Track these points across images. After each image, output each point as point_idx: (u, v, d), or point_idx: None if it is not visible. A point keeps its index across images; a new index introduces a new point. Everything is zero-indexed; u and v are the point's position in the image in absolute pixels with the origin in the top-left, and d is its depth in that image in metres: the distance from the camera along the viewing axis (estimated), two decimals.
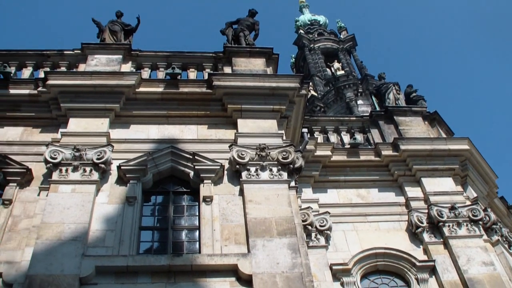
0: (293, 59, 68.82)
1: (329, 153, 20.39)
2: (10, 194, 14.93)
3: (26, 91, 17.46)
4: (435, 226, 18.66)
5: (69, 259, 12.96)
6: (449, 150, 20.76)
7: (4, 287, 12.97)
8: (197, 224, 14.71)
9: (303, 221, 16.89)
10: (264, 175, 15.37)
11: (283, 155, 15.73)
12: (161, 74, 19.07)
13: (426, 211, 19.00)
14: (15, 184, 15.17)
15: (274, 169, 15.50)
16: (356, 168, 20.77)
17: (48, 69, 18.63)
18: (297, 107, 18.13)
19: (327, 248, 18.12)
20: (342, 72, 58.98)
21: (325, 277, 17.14)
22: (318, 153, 20.20)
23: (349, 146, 21.35)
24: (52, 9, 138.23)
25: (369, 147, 21.58)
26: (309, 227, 17.99)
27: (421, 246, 18.52)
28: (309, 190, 19.72)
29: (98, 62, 18.65)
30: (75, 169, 15.08)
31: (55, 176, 14.96)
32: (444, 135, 22.79)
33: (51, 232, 13.57)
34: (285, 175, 15.46)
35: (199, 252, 13.82)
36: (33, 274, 12.66)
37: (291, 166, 15.68)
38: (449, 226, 18.49)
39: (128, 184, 15.14)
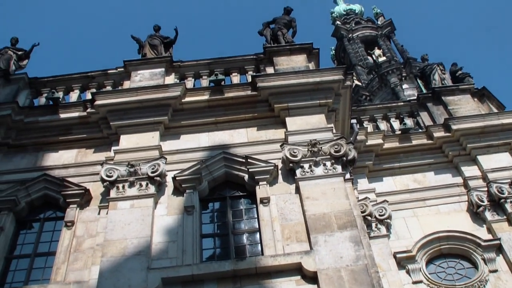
0: (333, 51, 68.50)
1: (380, 141, 20.29)
2: (71, 216, 15.29)
3: (76, 114, 17.84)
4: (496, 204, 18.38)
5: (135, 274, 13.17)
6: (503, 125, 20.40)
7: None
8: (257, 226, 14.76)
9: (362, 212, 16.79)
10: (319, 171, 15.29)
11: (335, 148, 15.62)
12: (204, 82, 19.18)
13: (486, 189, 18.72)
14: (76, 205, 15.52)
15: (328, 163, 15.41)
16: (409, 153, 20.61)
17: (94, 90, 18.99)
18: (344, 99, 18.04)
19: (389, 237, 18.05)
20: (384, 58, 58.49)
21: (390, 266, 17.05)
22: (369, 142, 20.11)
23: (400, 132, 21.18)
24: (91, 31, 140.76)
25: (420, 130, 21.38)
26: (369, 218, 17.94)
27: (484, 225, 18.27)
28: (365, 180, 19.64)
29: (142, 77, 18.88)
30: (132, 184, 15.29)
31: (112, 193, 15.19)
32: (495, 110, 22.39)
33: (115, 249, 13.80)
34: (339, 168, 15.36)
35: (262, 254, 13.84)
36: None
37: (344, 158, 15.57)
38: (511, 202, 18.17)
39: (184, 194, 15.28)
